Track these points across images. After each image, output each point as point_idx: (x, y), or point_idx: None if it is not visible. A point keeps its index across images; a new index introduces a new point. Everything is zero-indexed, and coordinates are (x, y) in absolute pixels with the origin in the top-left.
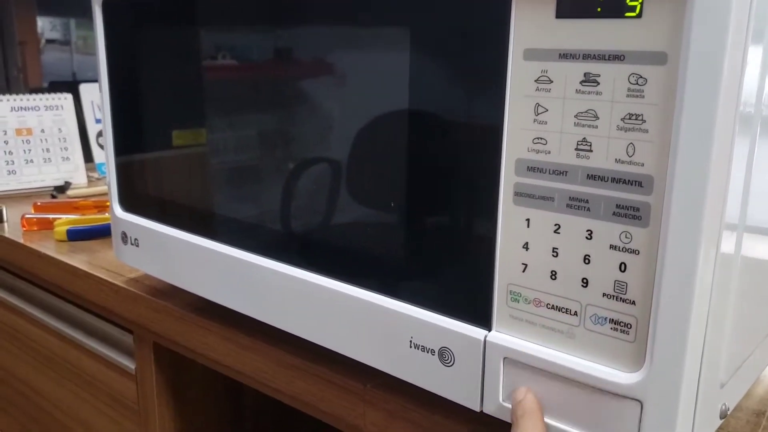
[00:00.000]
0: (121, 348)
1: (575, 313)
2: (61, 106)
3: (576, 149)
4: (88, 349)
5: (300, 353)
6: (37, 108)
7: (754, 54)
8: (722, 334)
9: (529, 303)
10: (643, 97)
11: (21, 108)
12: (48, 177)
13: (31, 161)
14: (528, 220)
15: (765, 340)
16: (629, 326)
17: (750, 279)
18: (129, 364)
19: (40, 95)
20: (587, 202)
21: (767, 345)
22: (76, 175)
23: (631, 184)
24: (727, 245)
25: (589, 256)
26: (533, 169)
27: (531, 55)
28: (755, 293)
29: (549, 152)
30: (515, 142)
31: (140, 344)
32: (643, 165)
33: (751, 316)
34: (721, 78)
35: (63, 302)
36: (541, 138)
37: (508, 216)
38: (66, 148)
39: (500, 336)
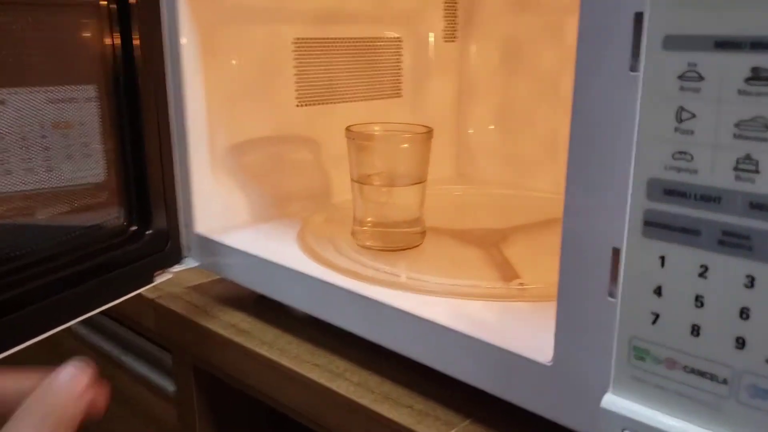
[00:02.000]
0: (161, 367)
1: (725, 381)
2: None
3: (735, 169)
4: (125, 366)
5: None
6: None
7: None
8: None
9: (659, 363)
10: None
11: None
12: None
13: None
14: (663, 258)
15: None
16: None
17: None
18: (168, 386)
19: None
20: (748, 239)
21: None
22: None
23: None
24: None
25: (748, 309)
26: (672, 192)
27: (674, 43)
28: None
29: (696, 171)
30: (648, 157)
31: (180, 366)
32: None
33: None
34: None
35: (99, 315)
36: (684, 152)
37: (636, 251)
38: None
39: (619, 402)
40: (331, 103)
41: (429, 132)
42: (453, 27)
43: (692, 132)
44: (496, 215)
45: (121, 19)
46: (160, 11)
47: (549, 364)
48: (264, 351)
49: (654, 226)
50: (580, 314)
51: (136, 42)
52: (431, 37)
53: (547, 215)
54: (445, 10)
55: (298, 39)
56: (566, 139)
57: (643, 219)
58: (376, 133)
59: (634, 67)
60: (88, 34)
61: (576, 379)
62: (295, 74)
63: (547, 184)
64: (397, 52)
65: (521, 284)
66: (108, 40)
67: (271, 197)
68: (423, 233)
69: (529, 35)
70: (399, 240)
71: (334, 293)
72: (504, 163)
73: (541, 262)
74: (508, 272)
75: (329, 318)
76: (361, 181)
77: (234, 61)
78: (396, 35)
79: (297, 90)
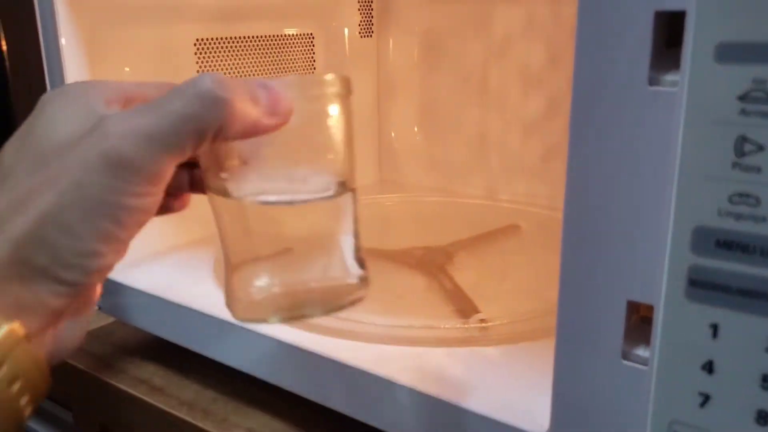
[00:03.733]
0: (61, 427)
1: None
2: None
3: None
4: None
5: None
6: None
7: None
8: None
9: None
10: None
11: None
12: None
13: None
14: (715, 327)
15: None
16: None
17: None
18: None
19: None
20: None
21: None
22: None
23: None
24: None
25: None
26: (730, 245)
27: (732, 53)
28: None
29: (764, 219)
30: (695, 200)
31: (83, 426)
32: None
33: None
34: None
35: None
36: (747, 194)
37: (677, 316)
38: None
39: None
40: None
41: (346, 83)
42: (369, 21)
43: (759, 169)
44: (431, 229)
45: None
46: (34, 15)
47: None
48: (184, 414)
49: (702, 287)
50: (586, 378)
51: (3, 48)
52: (346, 32)
53: (486, 226)
54: (360, 2)
55: (199, 40)
56: (497, 139)
57: (688, 277)
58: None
59: (653, 81)
60: None
61: None
62: None
63: (478, 189)
64: (310, 49)
65: (482, 321)
66: None
67: (178, 221)
68: (366, 279)
69: (451, 27)
70: (327, 298)
71: (261, 344)
72: (430, 168)
73: (497, 287)
74: (464, 305)
75: (258, 373)
76: (226, 193)
77: (127, 69)
78: (308, 31)
79: None
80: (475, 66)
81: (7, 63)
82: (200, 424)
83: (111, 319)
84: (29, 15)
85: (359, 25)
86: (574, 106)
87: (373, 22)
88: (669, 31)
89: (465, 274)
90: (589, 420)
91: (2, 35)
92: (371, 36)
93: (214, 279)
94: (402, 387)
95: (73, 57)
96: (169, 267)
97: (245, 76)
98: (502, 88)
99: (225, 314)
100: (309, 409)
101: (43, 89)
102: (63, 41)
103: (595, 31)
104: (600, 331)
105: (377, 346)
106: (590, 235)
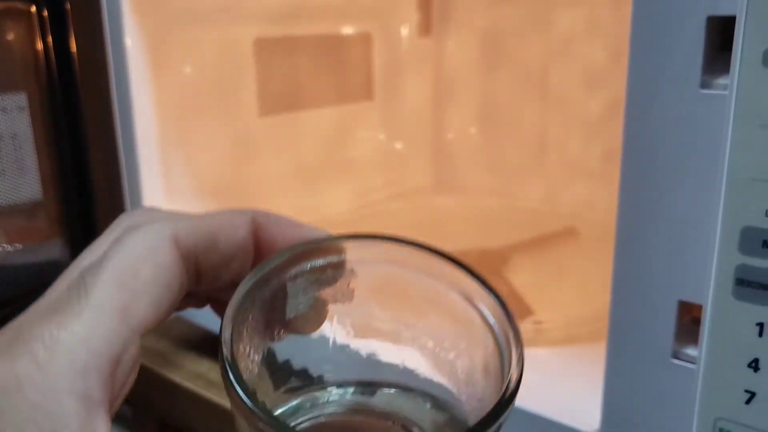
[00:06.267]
0: (121, 422)
1: None
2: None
3: None
4: None
5: None
6: None
7: None
8: None
9: None
10: None
11: None
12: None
13: None
14: (761, 325)
15: None
16: None
17: None
18: None
19: None
20: None
21: None
22: None
23: None
24: None
25: None
26: None
27: None
28: None
29: None
30: (743, 201)
31: (143, 420)
32: None
33: None
34: None
35: None
36: None
37: (724, 315)
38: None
39: None
40: (297, 109)
41: None
42: (428, 20)
43: None
44: (487, 232)
45: (55, 25)
46: (101, 17)
47: None
48: None
49: (749, 285)
50: (635, 377)
51: (74, 48)
52: (404, 32)
53: (543, 230)
54: (419, 1)
55: (258, 40)
56: (557, 141)
57: (735, 277)
58: None
59: (705, 84)
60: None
61: None
62: (257, 80)
63: (536, 193)
64: (367, 49)
65: (537, 323)
66: (40, 46)
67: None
68: None
69: (512, 27)
70: None
71: (320, 343)
72: (487, 170)
73: (552, 291)
74: (519, 307)
75: (321, 372)
76: None
77: (188, 69)
78: (365, 31)
79: (260, 97)
80: (535, 66)
81: (77, 65)
82: None
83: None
84: (96, 16)
85: (418, 24)
86: (628, 108)
87: (432, 21)
88: (722, 36)
89: (520, 277)
90: (639, 418)
91: (73, 37)
92: (430, 35)
93: None
94: None
95: (137, 58)
96: None
97: (302, 75)
98: (563, 89)
99: None
100: None
101: (108, 91)
102: (129, 42)
103: (649, 35)
104: (651, 331)
105: None
106: (643, 236)
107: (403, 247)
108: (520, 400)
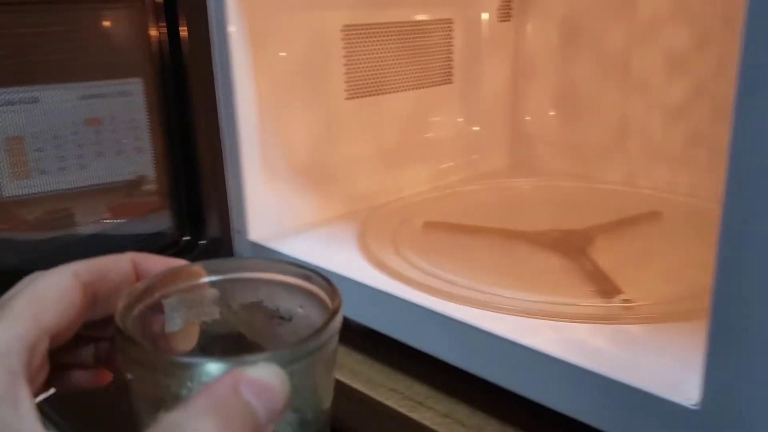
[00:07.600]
0: None
1: None
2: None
3: None
4: None
5: None
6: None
7: None
8: None
9: None
10: None
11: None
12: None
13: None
14: None
15: None
16: None
17: None
18: None
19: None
20: None
21: None
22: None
23: None
24: None
25: None
26: None
27: None
28: None
29: None
30: None
31: None
32: None
33: None
34: None
35: None
36: None
37: None
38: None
39: None
40: (380, 93)
41: None
42: (508, 5)
43: None
44: (568, 213)
45: (167, 11)
46: (206, 5)
47: (696, 408)
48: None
49: None
50: (743, 345)
51: (183, 34)
52: (484, 17)
53: (625, 212)
54: None
55: (347, 26)
56: (638, 124)
57: None
58: None
59: None
60: (133, 28)
61: (736, 426)
62: (345, 64)
63: (616, 175)
64: (448, 35)
65: (626, 301)
66: (154, 33)
67: (324, 198)
68: None
69: (592, 11)
70: None
71: (411, 312)
72: (565, 153)
73: (639, 271)
74: (606, 286)
75: (406, 339)
76: None
77: (283, 53)
78: (447, 17)
79: (346, 81)
80: (616, 49)
81: (186, 51)
82: (348, 382)
83: None
84: (202, 4)
85: (498, 9)
86: (738, 96)
87: (512, 6)
88: None
89: (605, 257)
90: (740, 395)
91: (186, 24)
92: (509, 20)
93: (359, 249)
94: (553, 358)
95: (239, 44)
96: (316, 239)
97: (386, 61)
98: (645, 72)
99: (374, 281)
100: (452, 374)
101: (212, 75)
102: (232, 29)
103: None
104: (755, 313)
105: (515, 318)
106: (749, 219)
107: (249, 260)
108: (616, 373)
